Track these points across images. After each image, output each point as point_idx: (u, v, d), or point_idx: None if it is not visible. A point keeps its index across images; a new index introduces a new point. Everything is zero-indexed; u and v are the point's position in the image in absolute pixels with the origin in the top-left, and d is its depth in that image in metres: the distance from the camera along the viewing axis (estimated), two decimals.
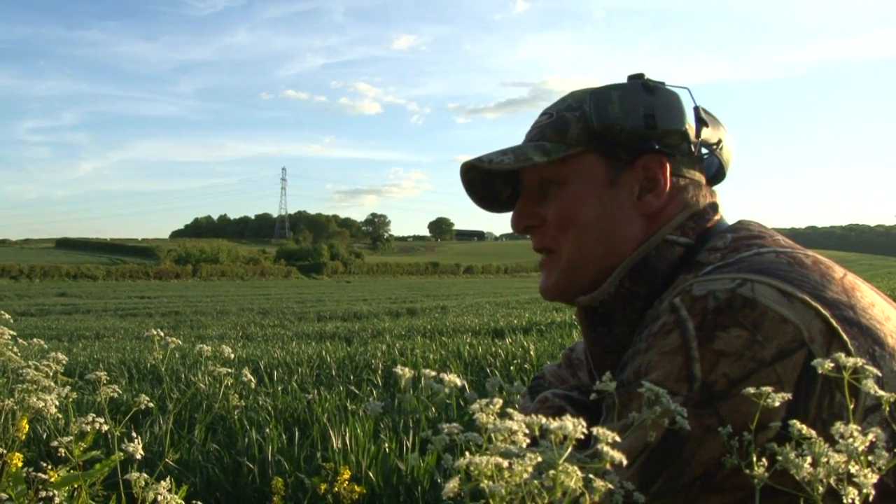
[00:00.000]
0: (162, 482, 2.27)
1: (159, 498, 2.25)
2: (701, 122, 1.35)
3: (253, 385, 5.23)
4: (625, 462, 0.61)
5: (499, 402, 0.71)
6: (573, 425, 0.61)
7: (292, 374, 7.87)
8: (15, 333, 3.29)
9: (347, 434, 4.11)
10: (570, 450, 0.61)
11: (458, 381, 0.73)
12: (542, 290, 1.40)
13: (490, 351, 8.81)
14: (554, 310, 18.73)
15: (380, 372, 7.63)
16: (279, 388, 6.40)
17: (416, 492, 3.69)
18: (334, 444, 4.04)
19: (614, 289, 1.29)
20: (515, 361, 7.66)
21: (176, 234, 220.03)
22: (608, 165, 1.31)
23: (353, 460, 3.85)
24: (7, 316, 3.53)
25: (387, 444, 4.04)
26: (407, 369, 0.76)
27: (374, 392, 6.25)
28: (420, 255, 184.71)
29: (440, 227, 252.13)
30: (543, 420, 0.62)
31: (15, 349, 3.19)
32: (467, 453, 0.64)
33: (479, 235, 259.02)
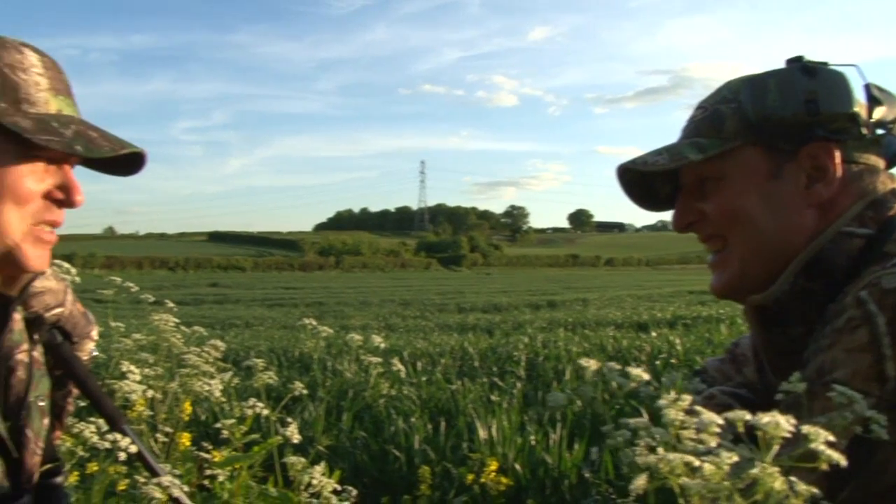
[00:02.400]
0: (316, 467, 2.33)
1: (314, 481, 2.31)
2: (874, 101, 1.23)
3: (403, 374, 5.30)
4: (843, 463, 0.55)
5: (687, 397, 0.66)
6: (782, 422, 0.55)
7: (435, 364, 7.95)
8: (178, 321, 3.47)
9: (494, 425, 4.10)
10: (775, 449, 0.56)
11: (645, 375, 0.69)
12: (714, 289, 1.32)
13: (634, 345, 8.62)
14: (699, 303, 18.17)
15: (523, 364, 7.59)
16: (423, 379, 6.47)
17: (563, 485, 3.64)
18: (480, 435, 4.04)
19: (788, 286, 1.20)
20: (661, 356, 7.46)
21: (319, 227, 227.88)
22: (769, 158, 1.22)
23: (499, 452, 3.84)
24: (171, 304, 3.72)
25: (533, 437, 4.00)
26: (593, 361, 0.72)
27: (518, 384, 6.22)
28: (559, 247, 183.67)
29: (580, 218, 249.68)
30: (747, 416, 0.56)
31: (178, 336, 3.36)
32: (660, 449, 0.60)
33: (620, 227, 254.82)
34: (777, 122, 1.19)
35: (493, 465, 3.56)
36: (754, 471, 0.55)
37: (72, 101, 1.01)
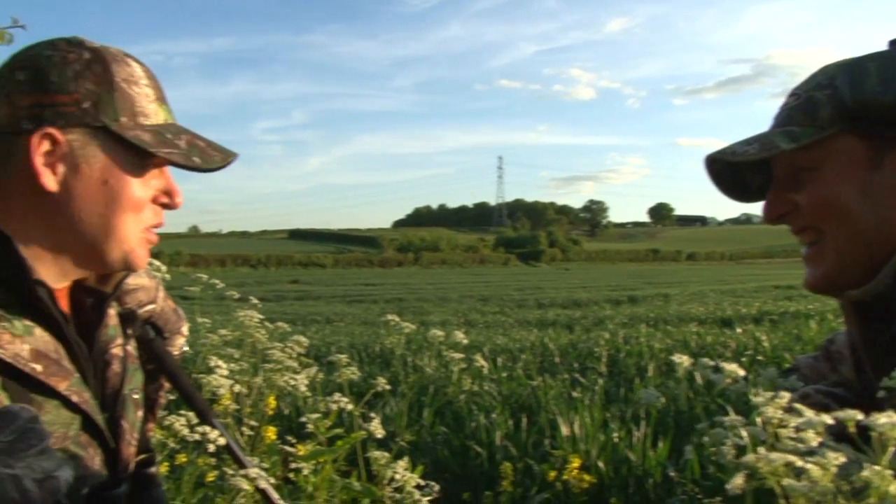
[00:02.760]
0: (400, 461, 2.34)
1: (396, 476, 2.32)
2: None
3: (486, 370, 5.30)
4: None
5: (786, 395, 0.64)
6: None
7: (516, 360, 7.92)
8: (263, 317, 3.53)
9: (576, 422, 4.06)
10: (892, 450, 0.53)
11: (741, 371, 0.66)
12: (808, 283, 1.27)
13: (719, 341, 8.43)
14: (786, 298, 17.66)
15: (604, 360, 7.51)
16: (503, 375, 6.45)
17: (647, 484, 3.58)
18: (563, 432, 4.00)
19: (891, 279, 1.14)
20: (748, 353, 7.26)
21: (398, 224, 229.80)
22: (868, 146, 1.15)
23: (581, 449, 3.80)
24: (256, 301, 3.79)
25: (616, 434, 3.95)
26: (686, 357, 0.70)
27: (600, 381, 6.15)
28: (640, 241, 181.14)
29: (660, 212, 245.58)
30: (859, 415, 0.53)
31: (262, 331, 3.42)
32: (760, 449, 0.58)
33: (702, 221, 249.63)
34: (877, 108, 1.13)
35: (576, 463, 3.53)
36: (867, 473, 0.52)
37: (169, 107, 1.04)
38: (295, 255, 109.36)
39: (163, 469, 2.38)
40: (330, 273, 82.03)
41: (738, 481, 0.58)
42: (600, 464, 3.70)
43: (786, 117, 1.25)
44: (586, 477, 3.49)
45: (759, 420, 0.62)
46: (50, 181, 0.93)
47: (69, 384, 0.95)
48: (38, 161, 0.92)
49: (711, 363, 0.70)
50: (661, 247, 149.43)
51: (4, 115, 0.93)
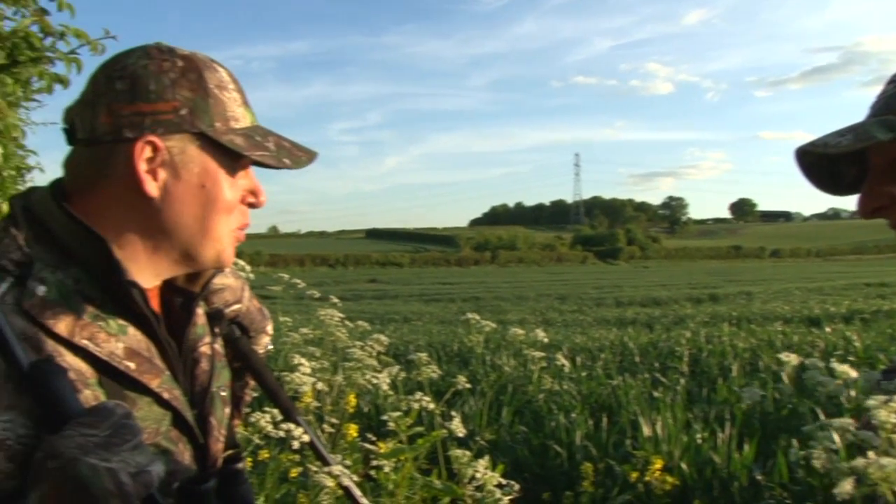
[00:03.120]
0: (480, 460, 2.34)
1: (477, 475, 2.32)
2: None
3: (567, 369, 5.25)
4: None
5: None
6: None
7: (595, 359, 7.84)
8: (343, 316, 3.57)
9: (658, 422, 3.98)
10: None
11: (853, 373, 0.63)
12: None
13: (806, 340, 8.18)
14: (879, 296, 17.04)
15: (685, 360, 7.36)
16: (583, 374, 6.39)
17: (732, 487, 3.49)
18: (644, 433, 3.93)
19: None
20: (837, 353, 7.01)
21: (474, 223, 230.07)
22: None
23: (664, 450, 3.72)
24: (336, 300, 3.83)
25: (699, 435, 3.86)
26: (794, 356, 0.67)
27: (682, 380, 6.03)
28: (721, 238, 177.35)
29: (742, 208, 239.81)
30: None
31: (343, 330, 3.46)
32: (870, 454, 0.55)
33: (786, 216, 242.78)
34: None
35: (658, 464, 3.46)
36: None
37: (253, 110, 1.07)
38: (372, 254, 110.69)
39: (246, 464, 2.42)
40: (407, 272, 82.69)
41: (846, 487, 0.56)
42: (683, 465, 3.63)
43: (883, 106, 1.19)
44: (669, 478, 3.42)
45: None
46: (152, 187, 0.96)
47: (161, 381, 0.98)
48: (141, 168, 0.95)
49: (821, 363, 0.67)
50: (744, 243, 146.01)
51: (105, 124, 0.95)
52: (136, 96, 0.95)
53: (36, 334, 0.87)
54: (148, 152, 0.95)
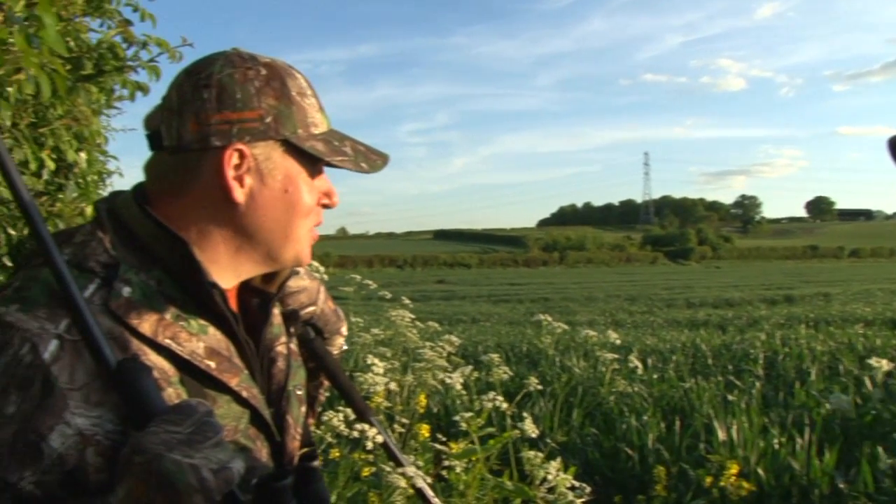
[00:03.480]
0: (552, 462, 2.32)
1: (549, 476, 2.30)
2: None
3: (640, 371, 5.19)
4: None
5: None
6: None
7: (666, 361, 7.71)
8: (414, 317, 3.58)
9: (733, 427, 3.89)
10: None
11: None
12: None
13: (890, 344, 7.90)
14: None
15: (761, 362, 7.18)
16: (654, 376, 6.29)
17: (812, 495, 3.39)
18: (719, 437, 3.85)
19: None
20: None
21: (542, 223, 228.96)
22: None
23: (739, 455, 3.64)
24: (407, 301, 3.85)
25: (777, 440, 3.76)
26: (885, 361, 0.65)
27: (757, 384, 5.88)
28: (796, 237, 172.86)
29: (819, 206, 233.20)
30: None
31: (413, 331, 3.48)
32: None
33: (867, 214, 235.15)
34: None
35: (734, 469, 3.39)
36: None
37: (327, 115, 1.08)
38: (440, 255, 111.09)
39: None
40: (475, 273, 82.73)
41: None
42: (760, 471, 3.54)
43: None
44: (745, 484, 3.34)
45: None
46: (239, 194, 0.99)
47: (239, 380, 1.00)
48: (229, 175, 0.98)
49: None
50: (821, 243, 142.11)
51: (192, 132, 0.97)
52: (223, 105, 0.97)
53: (122, 334, 0.90)
54: (235, 160, 0.98)
